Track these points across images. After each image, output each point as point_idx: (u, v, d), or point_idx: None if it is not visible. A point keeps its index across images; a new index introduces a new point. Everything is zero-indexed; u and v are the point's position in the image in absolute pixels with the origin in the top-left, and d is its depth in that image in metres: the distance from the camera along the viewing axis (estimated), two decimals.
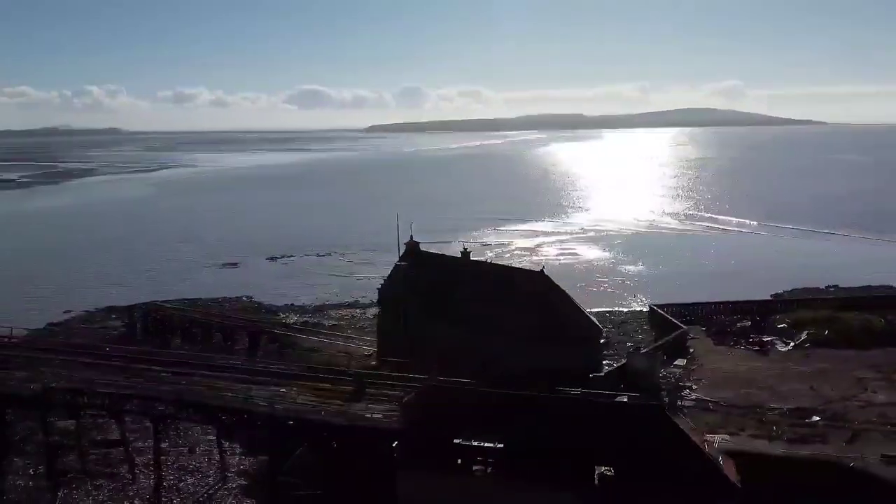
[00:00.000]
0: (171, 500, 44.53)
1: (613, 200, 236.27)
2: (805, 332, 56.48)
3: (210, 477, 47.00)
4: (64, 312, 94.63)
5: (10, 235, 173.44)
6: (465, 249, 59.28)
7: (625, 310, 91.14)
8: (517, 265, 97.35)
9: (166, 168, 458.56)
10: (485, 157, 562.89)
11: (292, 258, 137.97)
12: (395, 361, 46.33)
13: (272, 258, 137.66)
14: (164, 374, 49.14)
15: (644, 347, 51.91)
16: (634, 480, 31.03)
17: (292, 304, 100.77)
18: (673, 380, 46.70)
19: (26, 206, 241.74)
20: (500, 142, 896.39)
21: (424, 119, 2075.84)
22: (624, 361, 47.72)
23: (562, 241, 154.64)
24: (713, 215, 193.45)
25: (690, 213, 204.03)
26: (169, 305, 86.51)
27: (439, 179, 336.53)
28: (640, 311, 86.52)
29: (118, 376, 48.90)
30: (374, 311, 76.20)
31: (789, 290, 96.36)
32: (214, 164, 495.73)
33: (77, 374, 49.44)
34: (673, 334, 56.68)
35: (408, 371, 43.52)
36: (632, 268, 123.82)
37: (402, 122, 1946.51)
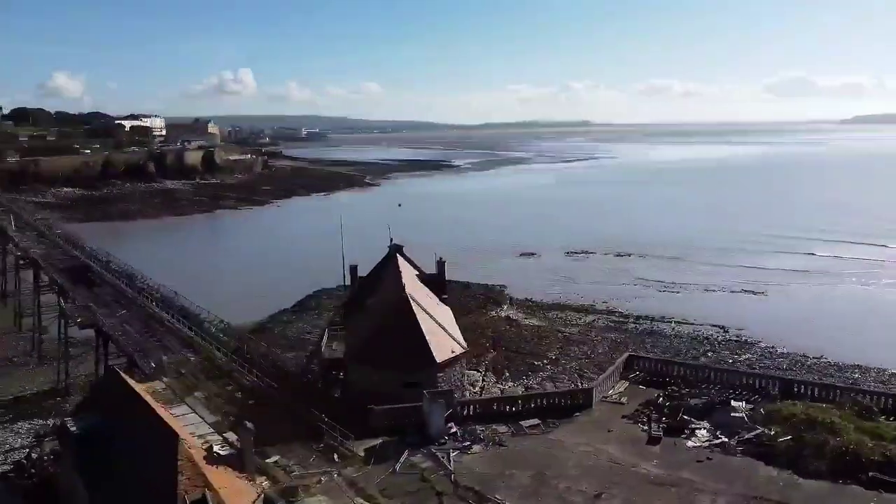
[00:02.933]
0: None
1: None
2: (759, 430, 36.65)
3: None
4: None
5: (415, 208, 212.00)
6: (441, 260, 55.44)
7: None
8: None
9: (591, 158, 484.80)
10: None
11: (589, 255, 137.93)
12: None
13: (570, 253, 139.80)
14: None
15: None
16: None
17: None
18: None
19: (442, 187, 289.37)
20: None
21: None
22: None
23: None
24: None
25: None
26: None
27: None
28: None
29: None
30: None
31: None
32: (637, 156, 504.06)
33: None
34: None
35: None
36: None
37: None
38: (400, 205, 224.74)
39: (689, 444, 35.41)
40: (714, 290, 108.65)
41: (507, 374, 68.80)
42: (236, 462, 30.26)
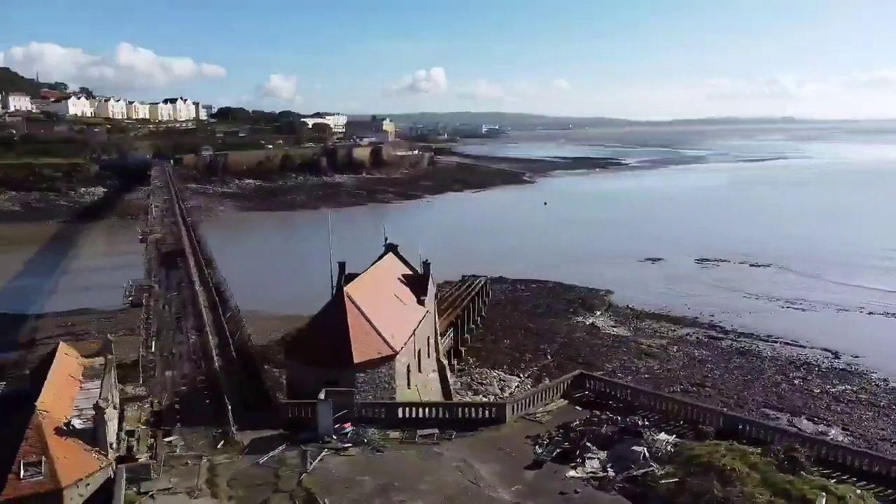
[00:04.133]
0: None
1: None
2: (650, 468, 30.91)
3: None
4: None
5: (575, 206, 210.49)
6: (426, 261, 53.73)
7: None
8: None
9: (780, 158, 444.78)
10: None
11: (720, 263, 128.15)
12: None
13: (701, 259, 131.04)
14: None
15: None
16: None
17: None
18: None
19: (599, 186, 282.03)
20: None
21: None
22: None
23: None
24: None
25: None
26: None
27: None
28: None
29: None
30: None
31: None
32: (840, 157, 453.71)
33: None
34: None
35: None
36: None
37: None
38: (546, 203, 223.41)
39: (571, 473, 32.73)
40: (848, 311, 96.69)
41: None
42: (90, 436, 32.34)
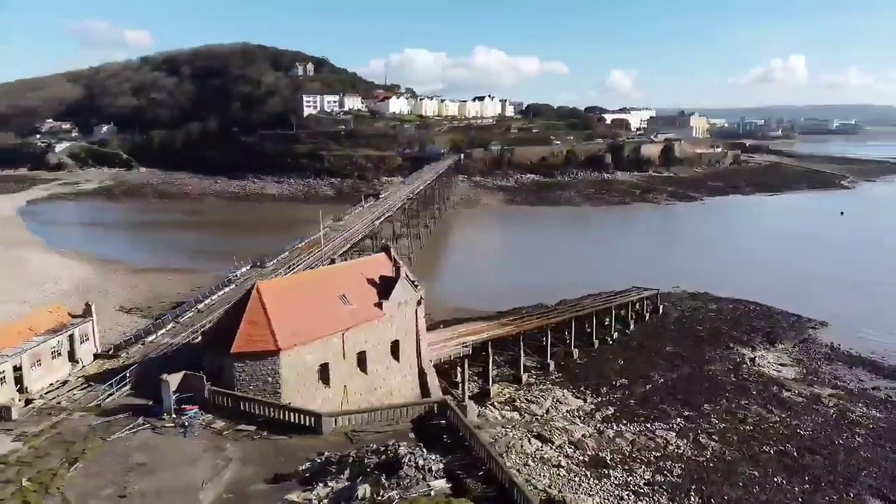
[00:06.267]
0: None
1: None
2: None
3: None
4: None
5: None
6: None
7: None
8: None
9: None
10: None
11: None
12: None
13: None
14: None
15: None
16: None
17: None
18: None
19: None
20: None
21: None
22: None
23: None
24: None
25: None
26: None
27: None
28: None
29: None
30: None
31: None
32: None
33: None
34: None
35: None
36: None
37: None
38: (842, 213, 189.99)
39: (290, 496, 32.10)
40: None
41: (612, 413, 59.93)
42: None
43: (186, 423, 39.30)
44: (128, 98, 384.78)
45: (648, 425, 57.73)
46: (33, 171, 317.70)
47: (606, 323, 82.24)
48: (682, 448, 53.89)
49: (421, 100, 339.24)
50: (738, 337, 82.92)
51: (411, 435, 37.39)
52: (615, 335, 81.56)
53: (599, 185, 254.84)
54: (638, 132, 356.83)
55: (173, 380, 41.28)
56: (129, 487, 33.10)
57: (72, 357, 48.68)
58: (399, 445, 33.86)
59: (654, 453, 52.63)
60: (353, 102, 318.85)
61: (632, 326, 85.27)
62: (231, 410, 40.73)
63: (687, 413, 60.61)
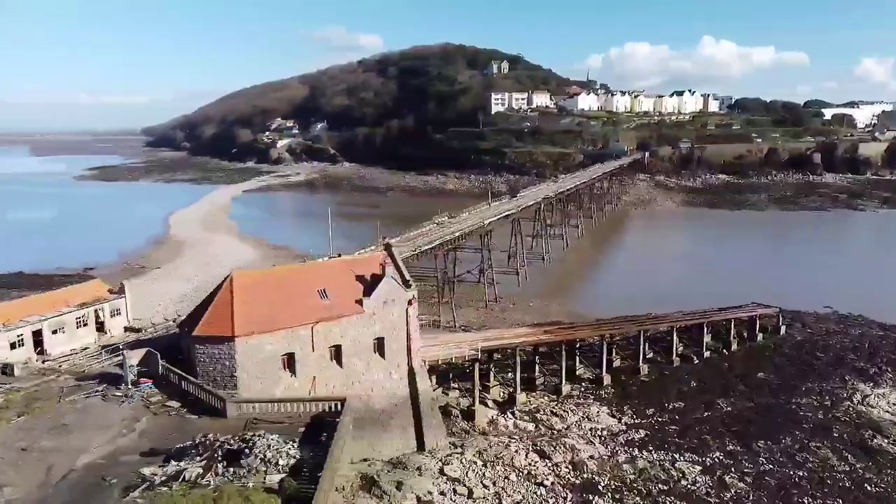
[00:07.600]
0: None
1: None
2: None
3: None
4: None
5: None
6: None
7: None
8: None
9: None
10: None
11: None
12: None
13: None
14: None
15: None
16: None
17: None
18: None
19: None
20: None
21: None
22: None
23: None
24: None
25: None
26: None
27: None
28: None
29: None
30: None
31: None
32: None
33: None
34: None
35: None
36: None
37: None
38: None
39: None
40: None
41: (640, 437, 55.12)
42: None
43: (129, 395, 44.23)
44: (342, 98, 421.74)
45: (676, 455, 52.87)
46: (259, 164, 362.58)
47: (701, 339, 75.95)
48: (697, 485, 48.54)
49: (612, 95, 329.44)
50: (865, 370, 71.73)
51: (301, 429, 38.83)
52: (706, 354, 74.92)
53: (799, 187, 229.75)
54: (866, 129, 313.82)
55: (135, 355, 47.67)
56: (36, 443, 37.84)
57: (102, 328, 56.96)
58: (263, 437, 35.91)
59: (659, 486, 48.15)
60: (542, 99, 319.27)
61: (734, 346, 77.58)
62: (177, 387, 45.36)
63: (731, 448, 54.22)
